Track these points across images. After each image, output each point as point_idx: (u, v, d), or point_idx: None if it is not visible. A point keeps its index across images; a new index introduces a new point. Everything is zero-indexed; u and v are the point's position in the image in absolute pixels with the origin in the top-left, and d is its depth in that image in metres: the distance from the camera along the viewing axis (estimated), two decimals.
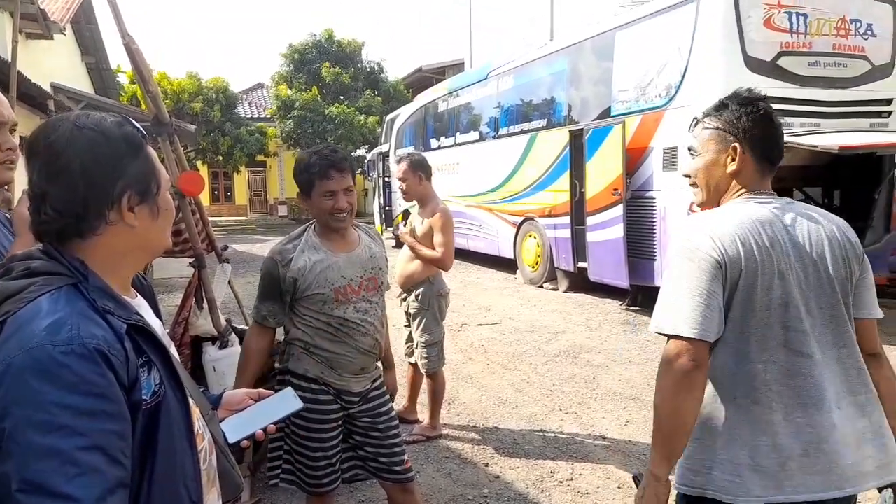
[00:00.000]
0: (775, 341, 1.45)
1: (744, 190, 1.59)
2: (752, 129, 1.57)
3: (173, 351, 1.13)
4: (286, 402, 1.39)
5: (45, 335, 0.89)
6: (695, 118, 1.72)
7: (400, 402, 4.45)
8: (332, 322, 2.24)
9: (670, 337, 1.45)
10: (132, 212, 1.03)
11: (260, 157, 24.40)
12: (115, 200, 1.01)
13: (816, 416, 1.43)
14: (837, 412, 1.44)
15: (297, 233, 2.33)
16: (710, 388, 1.49)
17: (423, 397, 4.12)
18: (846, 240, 1.55)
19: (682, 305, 1.43)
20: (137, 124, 1.09)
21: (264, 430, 1.31)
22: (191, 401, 1.10)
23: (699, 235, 1.48)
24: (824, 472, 1.42)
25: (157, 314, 1.20)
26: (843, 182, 7.26)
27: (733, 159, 1.57)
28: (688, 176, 1.68)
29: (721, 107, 1.62)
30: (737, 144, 1.56)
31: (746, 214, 1.52)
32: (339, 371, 2.27)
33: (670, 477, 1.48)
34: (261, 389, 1.42)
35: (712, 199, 1.64)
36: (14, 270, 0.99)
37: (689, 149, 1.71)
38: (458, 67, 20.28)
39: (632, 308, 7.59)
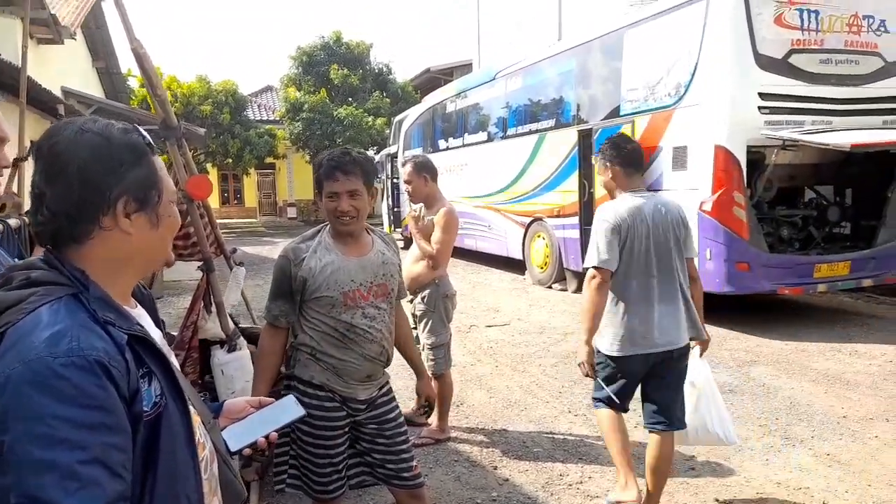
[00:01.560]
0: (640, 270, 2.80)
1: (623, 189, 2.92)
2: (611, 153, 2.94)
3: (173, 360, 1.12)
4: (288, 409, 1.37)
5: (44, 347, 0.88)
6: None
7: (408, 405, 4.45)
8: (339, 327, 2.22)
9: (592, 267, 2.81)
10: (129, 219, 1.02)
11: (269, 160, 24.49)
12: (111, 205, 1.00)
13: (651, 309, 2.80)
14: (663, 306, 2.81)
15: (312, 233, 2.32)
16: (609, 294, 2.85)
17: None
18: (679, 216, 2.90)
19: (598, 250, 2.80)
20: (145, 133, 1.08)
21: (266, 437, 1.30)
22: (192, 409, 1.09)
23: (607, 213, 2.84)
24: (658, 337, 2.80)
25: (157, 324, 1.20)
26: (855, 180, 7.18)
27: (604, 173, 2.98)
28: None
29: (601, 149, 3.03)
30: (608, 163, 2.94)
31: (629, 202, 2.85)
32: (345, 378, 2.25)
33: (593, 343, 2.90)
34: (262, 397, 1.41)
35: (611, 195, 3.01)
36: (14, 280, 0.99)
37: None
38: (466, 68, 20.26)
39: None
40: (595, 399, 3.10)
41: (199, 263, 3.28)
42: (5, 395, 0.86)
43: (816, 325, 6.52)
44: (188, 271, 8.11)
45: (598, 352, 2.92)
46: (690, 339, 2.91)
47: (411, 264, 3.94)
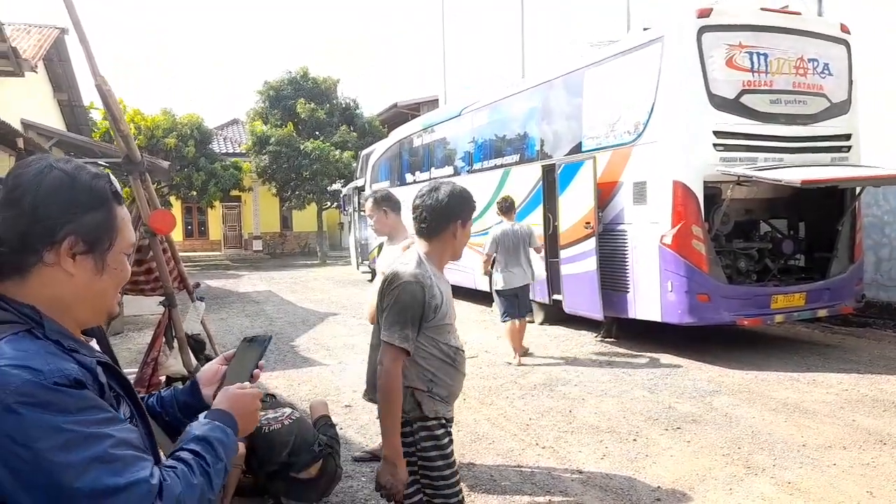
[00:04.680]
0: (511, 255, 6.70)
1: (505, 220, 6.86)
2: (502, 205, 7.06)
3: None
4: (254, 344, 1.41)
5: (24, 372, 0.90)
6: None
7: (375, 440, 4.39)
8: (450, 352, 2.29)
9: (485, 254, 6.87)
10: (73, 259, 1.02)
11: (235, 193, 24.28)
12: (58, 241, 1.01)
13: (518, 267, 6.75)
14: (521, 268, 6.74)
15: (415, 258, 2.29)
16: (500, 262, 6.85)
17: None
18: (527, 232, 6.84)
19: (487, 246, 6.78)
20: (116, 183, 1.12)
21: (251, 377, 1.34)
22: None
23: (496, 230, 6.83)
24: (517, 280, 6.78)
25: (110, 355, 1.22)
26: (807, 214, 7.46)
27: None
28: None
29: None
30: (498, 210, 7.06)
31: (505, 226, 6.78)
32: (451, 402, 2.34)
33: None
34: (225, 353, 1.45)
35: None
36: None
37: None
38: (432, 104, 20.57)
39: (607, 340, 7.64)
40: (503, 316, 6.84)
41: (162, 298, 3.23)
42: (7, 425, 0.88)
43: (775, 355, 6.68)
44: (149, 306, 7.93)
45: (498, 290, 6.85)
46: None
47: (376, 296, 3.95)
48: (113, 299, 1.14)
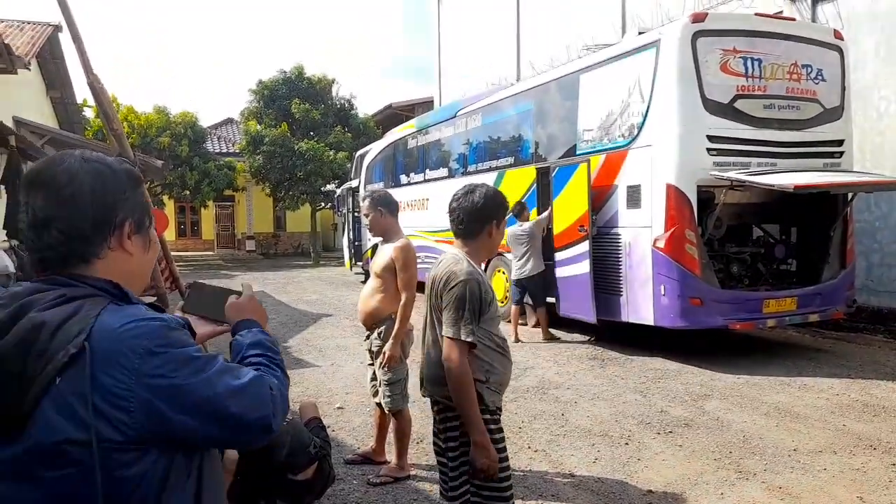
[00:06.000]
0: (516, 251, 7.94)
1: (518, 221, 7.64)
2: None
3: None
4: (199, 284, 1.57)
5: (155, 322, 1.06)
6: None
7: (367, 443, 4.38)
8: (499, 342, 2.42)
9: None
10: (130, 240, 1.15)
11: (228, 192, 24.21)
12: (117, 227, 1.13)
13: (520, 261, 7.86)
14: (520, 261, 7.83)
15: (462, 258, 2.43)
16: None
17: (392, 437, 4.06)
18: (524, 231, 7.90)
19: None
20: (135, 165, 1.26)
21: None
22: None
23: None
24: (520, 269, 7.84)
25: None
26: (800, 219, 7.50)
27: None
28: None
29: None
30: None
31: (514, 227, 7.51)
32: (502, 393, 2.45)
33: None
34: (181, 307, 1.58)
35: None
36: (43, 300, 1.05)
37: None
38: (427, 105, 20.57)
39: (599, 343, 7.65)
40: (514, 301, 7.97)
41: (153, 299, 3.21)
42: (154, 365, 1.03)
43: (767, 360, 6.71)
44: None
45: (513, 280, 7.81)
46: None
47: (367, 298, 3.94)
48: (150, 273, 1.28)
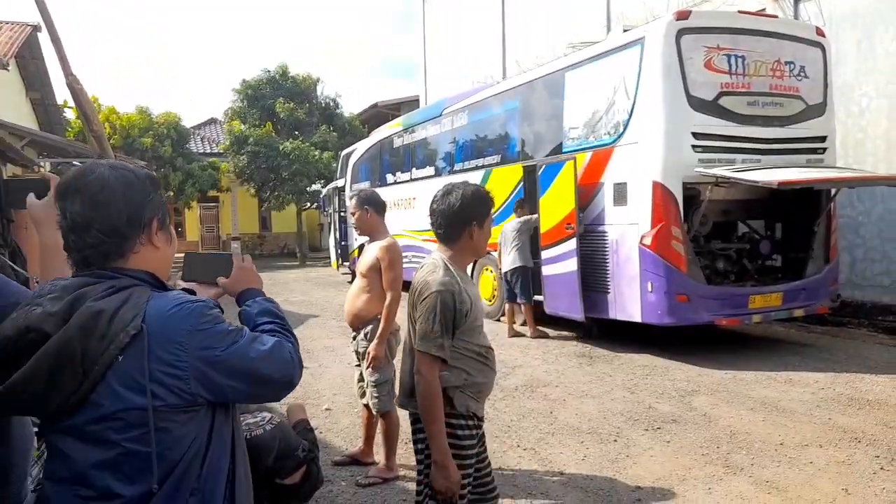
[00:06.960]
0: (503, 245, 8.17)
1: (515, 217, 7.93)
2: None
3: None
4: (199, 257, 1.65)
5: (197, 303, 1.28)
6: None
7: (356, 444, 4.35)
8: (482, 351, 2.33)
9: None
10: (157, 235, 1.33)
11: (213, 193, 24.00)
12: (147, 224, 1.31)
13: (507, 256, 8.02)
14: (507, 256, 8.05)
15: (441, 265, 2.30)
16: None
17: (380, 438, 4.03)
18: (513, 227, 8.01)
19: None
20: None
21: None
22: None
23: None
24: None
25: None
26: (784, 215, 7.56)
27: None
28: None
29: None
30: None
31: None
32: (482, 400, 2.36)
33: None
34: (179, 282, 1.66)
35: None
36: (95, 292, 1.22)
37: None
38: (413, 104, 20.51)
39: (587, 341, 7.66)
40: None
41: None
42: (201, 339, 1.26)
43: (753, 355, 6.75)
44: None
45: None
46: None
47: (353, 299, 3.91)
48: (171, 263, 1.44)
